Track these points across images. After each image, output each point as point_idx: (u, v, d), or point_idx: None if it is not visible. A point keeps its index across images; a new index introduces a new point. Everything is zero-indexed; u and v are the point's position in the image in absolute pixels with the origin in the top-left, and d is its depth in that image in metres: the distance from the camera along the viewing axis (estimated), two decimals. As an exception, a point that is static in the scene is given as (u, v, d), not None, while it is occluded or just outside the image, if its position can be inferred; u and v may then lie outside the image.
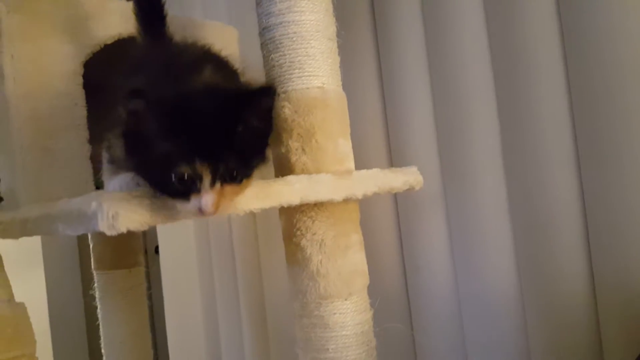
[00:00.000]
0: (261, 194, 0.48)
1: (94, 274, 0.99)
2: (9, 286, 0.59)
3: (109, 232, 0.36)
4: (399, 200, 0.87)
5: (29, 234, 0.50)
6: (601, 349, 0.69)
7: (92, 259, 0.99)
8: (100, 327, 0.99)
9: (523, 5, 0.72)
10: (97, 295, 0.99)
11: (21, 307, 0.57)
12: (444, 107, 0.82)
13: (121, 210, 0.36)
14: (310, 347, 0.61)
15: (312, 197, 0.52)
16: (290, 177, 0.52)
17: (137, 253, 1.01)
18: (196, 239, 1.36)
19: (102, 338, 0.99)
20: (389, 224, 0.88)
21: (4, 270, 0.60)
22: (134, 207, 0.37)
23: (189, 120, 0.39)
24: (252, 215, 1.14)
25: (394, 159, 0.85)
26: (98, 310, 0.99)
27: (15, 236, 0.55)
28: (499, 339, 0.78)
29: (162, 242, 1.38)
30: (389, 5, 0.87)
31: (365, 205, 0.70)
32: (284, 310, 1.08)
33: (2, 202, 0.70)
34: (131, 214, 0.37)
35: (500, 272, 0.78)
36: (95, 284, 0.99)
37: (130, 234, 1.01)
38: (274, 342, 1.12)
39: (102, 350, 0.99)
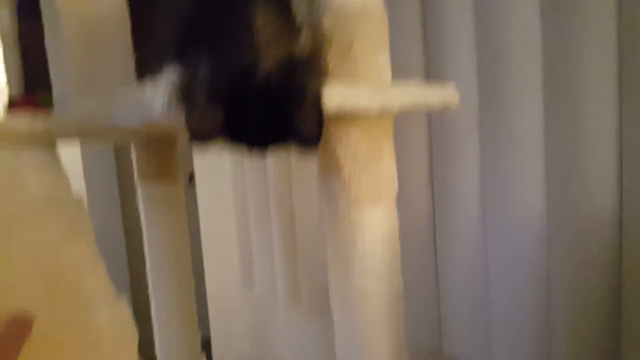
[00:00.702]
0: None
1: (138, 186, 1.06)
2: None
3: (163, 117, 0.40)
4: (433, 125, 0.88)
5: (87, 128, 0.55)
6: (620, 284, 0.71)
7: (135, 171, 1.05)
8: (144, 235, 1.07)
9: None
10: (140, 206, 1.06)
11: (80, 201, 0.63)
12: (487, 28, 0.81)
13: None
14: (340, 248, 0.66)
15: (349, 106, 0.55)
16: (328, 87, 0.54)
17: (177, 168, 1.07)
18: (232, 165, 1.42)
19: (145, 245, 1.07)
20: (421, 149, 0.90)
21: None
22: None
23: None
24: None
25: (431, 78, 0.86)
26: (142, 220, 1.07)
27: (73, 134, 0.60)
28: (521, 266, 0.81)
29: (198, 169, 1.44)
30: None
31: (399, 129, 0.72)
32: (312, 224, 1.15)
33: (54, 108, 0.75)
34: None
35: (529, 202, 0.79)
36: (139, 195, 1.06)
37: (171, 148, 1.06)
38: (301, 255, 1.19)
39: (146, 255, 1.07)
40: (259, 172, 1.31)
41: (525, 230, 0.80)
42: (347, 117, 0.63)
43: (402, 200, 0.71)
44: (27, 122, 0.63)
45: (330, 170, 0.65)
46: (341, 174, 0.64)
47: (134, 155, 1.05)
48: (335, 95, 0.55)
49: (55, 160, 0.66)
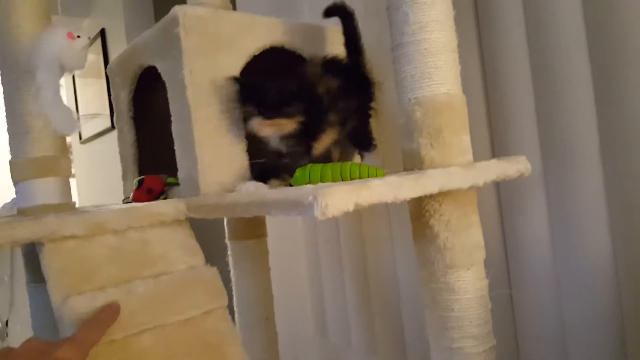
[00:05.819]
0: (410, 185, 0.61)
1: (228, 244, 1.18)
2: (201, 253, 0.76)
3: (320, 218, 0.50)
4: (501, 184, 0.97)
5: (235, 214, 0.66)
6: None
7: (226, 232, 1.17)
8: (233, 287, 1.18)
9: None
10: (230, 261, 1.18)
11: (214, 270, 0.74)
12: (545, 102, 0.90)
13: (330, 201, 0.51)
14: (437, 307, 0.74)
15: (447, 186, 0.65)
16: (430, 171, 0.64)
17: (262, 226, 1.18)
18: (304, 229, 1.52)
19: (234, 297, 1.18)
20: (492, 206, 0.99)
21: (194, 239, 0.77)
22: (339, 197, 0.51)
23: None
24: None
25: (497, 150, 0.96)
26: (231, 275, 1.18)
27: (219, 215, 0.71)
28: (595, 312, 0.88)
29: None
30: (492, 5, 0.96)
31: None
32: (386, 272, 1.23)
33: (179, 187, 0.88)
34: (337, 204, 0.51)
35: (596, 246, 0.86)
36: (229, 252, 1.18)
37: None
38: (376, 305, 1.27)
39: (235, 307, 1.18)
40: (330, 223, 1.41)
41: (595, 273, 0.86)
42: (439, 192, 0.73)
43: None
44: (171, 205, 0.75)
45: (425, 237, 0.75)
46: (436, 240, 0.73)
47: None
48: (436, 177, 0.65)
49: (191, 235, 0.78)
